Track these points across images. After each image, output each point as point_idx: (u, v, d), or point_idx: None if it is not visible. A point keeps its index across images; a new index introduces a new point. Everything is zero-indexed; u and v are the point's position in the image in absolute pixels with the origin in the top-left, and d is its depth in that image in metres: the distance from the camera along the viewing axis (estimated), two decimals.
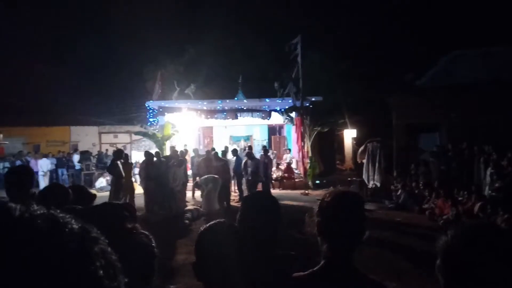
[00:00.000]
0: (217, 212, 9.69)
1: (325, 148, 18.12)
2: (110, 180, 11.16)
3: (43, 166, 16.80)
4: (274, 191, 13.20)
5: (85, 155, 19.00)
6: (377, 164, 12.32)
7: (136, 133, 18.16)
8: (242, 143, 18.18)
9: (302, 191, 13.88)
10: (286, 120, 16.78)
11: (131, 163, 11.49)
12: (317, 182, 14.86)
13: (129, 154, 11.50)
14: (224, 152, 11.99)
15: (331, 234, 1.44)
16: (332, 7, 24.08)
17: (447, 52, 16.52)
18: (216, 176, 10.53)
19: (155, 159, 11.04)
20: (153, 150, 12.86)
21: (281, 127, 19.68)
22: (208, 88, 20.59)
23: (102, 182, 16.10)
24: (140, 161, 11.51)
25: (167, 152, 14.12)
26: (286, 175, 15.66)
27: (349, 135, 19.86)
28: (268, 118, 16.61)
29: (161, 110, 16.70)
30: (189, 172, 13.05)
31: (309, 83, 15.89)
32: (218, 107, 16.89)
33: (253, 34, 22.36)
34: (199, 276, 1.41)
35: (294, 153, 17.00)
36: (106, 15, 24.83)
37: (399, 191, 11.57)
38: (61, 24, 25.17)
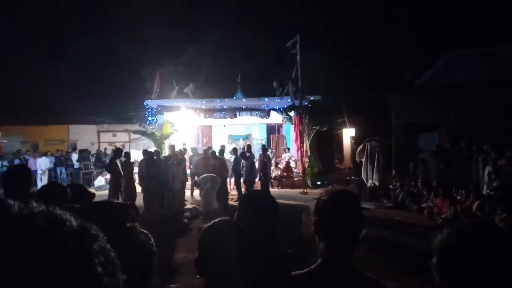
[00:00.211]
0: (216, 211, 9.69)
1: (324, 147, 18.14)
2: (109, 179, 11.15)
3: (41, 165, 16.77)
4: (273, 190, 13.21)
5: (83, 154, 18.97)
6: (376, 163, 12.33)
7: (135, 132, 18.15)
8: (241, 142, 18.18)
9: (301, 190, 13.89)
10: (285, 119, 16.79)
11: (132, 162, 11.48)
12: (319, 183, 14.87)
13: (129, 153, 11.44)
14: (221, 151, 11.99)
15: (328, 233, 1.44)
16: (331, 7, 24.07)
17: (446, 51, 16.54)
18: (214, 175, 10.53)
19: (154, 157, 11.04)
20: (152, 149, 12.85)
21: (280, 126, 19.69)
22: (207, 87, 20.58)
23: (101, 181, 16.09)
24: (139, 160, 11.48)
25: (166, 151, 14.13)
26: (285, 174, 15.67)
27: (348, 134, 19.87)
28: (267, 117, 16.62)
29: (159, 109, 16.69)
30: (188, 171, 13.05)
31: (308, 82, 15.89)
32: (217, 106, 16.89)
33: (252, 33, 22.35)
34: (200, 272, 1.42)
35: (293, 152, 17.01)
36: (105, 14, 24.80)
37: (398, 190, 11.59)
38: (60, 23, 25.12)
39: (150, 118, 17.08)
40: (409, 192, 11.36)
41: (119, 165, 10.22)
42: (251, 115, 16.68)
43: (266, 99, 16.90)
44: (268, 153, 13.23)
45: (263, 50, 21.62)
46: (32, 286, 0.45)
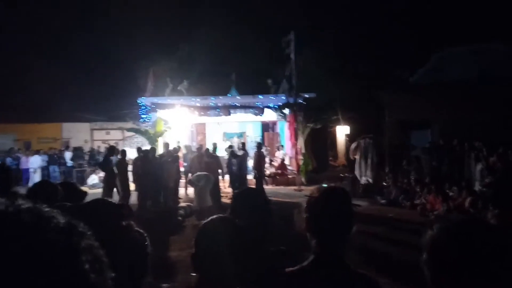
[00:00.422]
0: (209, 209, 9.68)
1: (318, 145, 18.18)
2: (103, 177, 11.10)
3: (33, 163, 16.67)
4: (267, 187, 13.23)
5: (78, 152, 18.83)
6: (369, 161, 12.40)
7: (129, 130, 18.06)
8: (236, 140, 18.15)
9: (296, 187, 13.93)
10: (280, 117, 16.80)
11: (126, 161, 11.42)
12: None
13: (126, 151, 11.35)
14: (214, 149, 11.99)
15: (319, 230, 1.45)
16: (325, 5, 24.08)
17: (438, 49, 16.62)
18: (208, 173, 10.53)
19: (149, 155, 11.01)
20: (145, 147, 12.81)
21: (274, 123, 19.68)
22: (201, 85, 20.51)
23: (95, 179, 15.99)
24: (133, 158, 11.42)
25: (160, 149, 14.07)
26: (279, 171, 15.70)
27: (342, 131, 19.94)
28: (261, 114, 16.61)
29: (153, 106, 16.62)
30: (181, 169, 13.02)
31: (303, 80, 15.91)
32: (211, 104, 16.85)
33: (246, 31, 22.29)
34: (196, 268, 1.42)
35: (287, 149, 17.03)
36: (98, 11, 24.60)
37: (391, 187, 11.67)
38: (53, 20, 24.88)
39: (143, 116, 17.00)
40: (402, 189, 11.43)
41: (114, 162, 10.18)
42: (245, 112, 16.67)
43: (260, 97, 16.89)
44: (262, 150, 13.24)
45: (258, 48, 21.59)
46: (18, 282, 0.45)
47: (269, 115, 17.01)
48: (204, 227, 1.45)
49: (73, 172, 17.66)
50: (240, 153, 12.07)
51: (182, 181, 12.41)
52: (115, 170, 10.33)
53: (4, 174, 2.84)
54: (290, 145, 16.45)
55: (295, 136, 15.84)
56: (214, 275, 1.37)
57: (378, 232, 7.84)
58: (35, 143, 21.68)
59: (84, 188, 13.61)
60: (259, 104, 16.69)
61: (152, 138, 15.70)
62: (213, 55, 22.11)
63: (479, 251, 0.95)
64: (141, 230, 1.53)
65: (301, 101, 16.02)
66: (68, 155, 18.36)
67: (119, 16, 22.86)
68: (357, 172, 12.73)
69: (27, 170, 17.12)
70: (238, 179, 11.13)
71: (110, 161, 10.22)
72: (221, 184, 11.67)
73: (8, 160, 17.62)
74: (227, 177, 12.29)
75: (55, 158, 17.87)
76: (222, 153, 14.04)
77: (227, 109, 16.55)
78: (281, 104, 16.15)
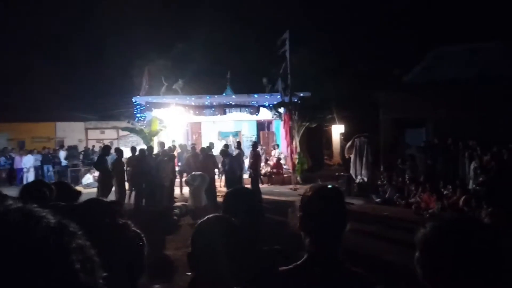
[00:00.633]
0: (204, 208, 9.68)
1: (314, 144, 18.21)
2: (98, 177, 11.05)
3: (26, 162, 16.58)
4: (263, 187, 13.25)
5: (72, 151, 18.71)
6: (364, 159, 12.44)
7: (123, 129, 17.98)
8: (231, 139, 18.14)
9: (291, 186, 13.95)
10: (275, 116, 16.80)
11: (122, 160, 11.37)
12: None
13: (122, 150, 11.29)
14: (209, 148, 11.97)
15: (312, 229, 1.45)
16: (320, 4, 24.12)
17: (433, 48, 16.70)
18: (203, 173, 10.52)
19: (146, 154, 10.97)
20: (140, 146, 12.76)
21: (269, 122, 19.70)
22: (196, 84, 20.47)
23: (89, 178, 15.90)
24: (127, 157, 11.37)
25: (155, 148, 14.03)
26: (274, 170, 15.71)
27: (337, 130, 19.99)
28: (256, 113, 16.61)
29: (148, 105, 16.56)
30: (176, 168, 12.98)
31: (298, 79, 15.92)
32: (207, 103, 16.82)
33: (241, 30, 22.27)
34: (193, 267, 1.42)
35: (283, 148, 17.05)
36: (93, 10, 24.47)
37: (386, 185, 11.71)
38: (47, 19, 24.70)
39: (138, 115, 16.94)
40: (397, 188, 11.49)
41: (109, 162, 10.15)
42: (240, 111, 16.66)
43: (255, 96, 16.89)
44: (258, 149, 13.24)
45: (253, 47, 21.59)
46: (8, 282, 0.45)
47: (265, 114, 17.01)
48: (200, 226, 1.45)
49: (68, 172, 17.56)
50: (235, 152, 12.06)
51: (177, 180, 12.38)
52: (111, 169, 10.30)
53: None
54: (286, 144, 16.46)
55: (290, 135, 15.86)
56: (210, 274, 1.37)
57: (373, 231, 7.87)
58: (29, 142, 21.54)
59: (78, 188, 13.59)
60: (254, 103, 16.70)
61: (147, 137, 15.64)
62: (208, 54, 22.08)
63: (471, 249, 0.95)
64: (138, 230, 1.52)
65: (296, 100, 16.04)
66: (62, 154, 18.25)
67: (114, 15, 22.75)
68: (352, 171, 12.77)
69: (21, 169, 17.01)
70: (231, 179, 11.13)
71: (104, 161, 10.17)
72: (217, 183, 11.66)
73: (2, 159, 17.51)
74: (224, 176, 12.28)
75: (49, 158, 17.76)
76: (218, 152, 14.01)
77: (222, 108, 16.53)
78: (276, 103, 16.16)
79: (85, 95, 23.63)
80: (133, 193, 10.80)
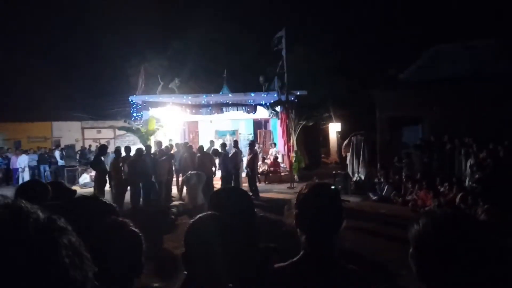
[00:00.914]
0: (202, 207, 9.67)
1: (310, 142, 18.24)
2: (94, 176, 11.02)
3: (21, 163, 16.54)
4: (260, 185, 13.26)
5: (69, 151, 18.62)
6: (361, 157, 12.47)
7: (120, 128, 17.92)
8: (228, 138, 18.14)
9: (288, 184, 13.96)
10: (272, 114, 16.80)
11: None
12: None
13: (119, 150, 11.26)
14: (204, 147, 12.00)
15: (308, 226, 1.46)
16: (316, 2, 24.11)
17: (429, 46, 16.75)
18: (199, 172, 10.51)
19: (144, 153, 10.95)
20: (136, 146, 12.73)
21: (266, 121, 19.70)
22: (193, 83, 20.44)
23: (86, 178, 15.86)
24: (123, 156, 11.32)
25: (152, 147, 14.00)
26: (272, 169, 15.72)
27: (334, 129, 20.02)
28: (253, 112, 16.59)
29: (145, 104, 16.52)
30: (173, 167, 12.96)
31: (294, 77, 15.92)
32: (203, 102, 16.79)
33: (238, 28, 22.25)
34: (187, 267, 1.42)
35: (280, 147, 17.06)
36: (89, 9, 24.36)
37: (383, 183, 11.75)
38: (43, 18, 24.58)
39: (135, 114, 16.89)
40: (394, 185, 11.52)
41: (104, 160, 10.12)
42: (237, 110, 16.64)
43: (252, 94, 16.88)
44: (255, 148, 13.24)
45: (249, 45, 21.57)
46: None
47: (261, 113, 17.01)
48: (193, 225, 1.44)
49: (64, 172, 17.50)
50: (232, 151, 12.06)
51: (174, 179, 12.36)
52: (108, 168, 10.28)
53: None
54: (283, 143, 16.47)
55: (287, 133, 15.86)
56: (205, 273, 1.37)
57: (370, 228, 7.90)
58: (25, 142, 21.46)
59: (75, 187, 13.50)
60: (251, 102, 16.68)
61: (144, 137, 15.60)
62: (204, 52, 22.04)
63: (463, 244, 0.95)
64: (136, 229, 1.52)
65: (293, 99, 16.04)
66: (57, 154, 18.19)
67: (110, 14, 22.67)
68: (349, 169, 12.80)
69: (17, 169, 16.95)
70: (224, 177, 11.15)
71: (101, 160, 10.14)
72: (215, 182, 11.65)
73: None
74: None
75: (45, 158, 17.70)
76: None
77: (219, 107, 16.50)
78: (273, 101, 16.16)
79: (82, 94, 23.56)
80: (131, 192, 10.78)
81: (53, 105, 22.06)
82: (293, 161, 15.03)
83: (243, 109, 16.55)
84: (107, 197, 9.32)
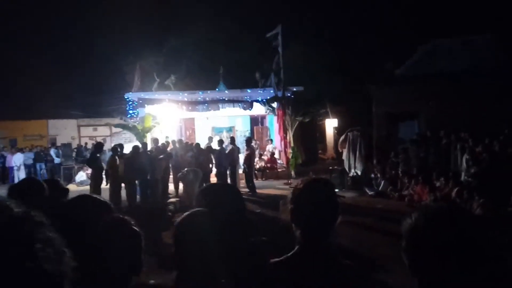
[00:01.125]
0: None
1: (307, 138, 18.26)
2: (90, 174, 10.99)
3: (16, 161, 16.49)
4: (257, 181, 13.27)
5: (65, 149, 18.55)
6: (357, 153, 12.49)
7: (116, 126, 17.86)
8: (225, 134, 18.12)
9: (285, 181, 13.98)
10: (268, 111, 16.79)
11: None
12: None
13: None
14: (199, 144, 12.01)
15: (303, 221, 1.46)
16: None
17: (425, 41, 16.77)
18: (196, 168, 10.50)
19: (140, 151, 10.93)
20: (132, 143, 12.69)
21: (263, 117, 19.70)
22: (188, 80, 20.38)
23: (82, 176, 15.80)
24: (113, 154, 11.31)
25: (149, 145, 13.97)
26: (269, 165, 15.73)
27: (331, 124, 20.04)
28: (249, 108, 16.59)
29: (141, 102, 16.47)
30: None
31: (290, 73, 15.91)
32: (200, 98, 16.76)
33: (234, 25, 22.17)
34: (179, 265, 1.41)
35: (276, 143, 17.07)
36: (85, 7, 24.22)
37: (379, 178, 11.78)
38: (38, 16, 24.41)
39: (131, 112, 16.84)
40: (390, 181, 11.56)
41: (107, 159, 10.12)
42: (234, 107, 16.62)
43: (248, 91, 16.86)
44: (252, 144, 13.24)
45: (245, 42, 21.51)
46: None
47: (258, 109, 17.00)
48: (181, 224, 1.43)
49: (61, 169, 17.44)
50: (229, 147, 12.06)
51: (171, 176, 12.34)
52: (105, 166, 10.26)
53: None
54: (279, 139, 16.48)
55: (284, 129, 15.87)
56: (198, 270, 1.36)
57: (366, 223, 7.93)
58: (21, 140, 21.36)
59: (72, 185, 13.45)
60: (248, 98, 16.67)
61: (140, 134, 15.56)
62: (200, 49, 21.96)
63: (454, 238, 0.96)
64: (135, 226, 1.52)
65: (289, 95, 16.04)
66: (53, 152, 18.12)
67: (105, 12, 22.53)
68: (346, 165, 12.82)
69: (13, 168, 16.89)
70: (218, 173, 11.17)
71: (97, 158, 10.12)
72: (213, 178, 11.65)
73: None
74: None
75: (41, 156, 17.63)
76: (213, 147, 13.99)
77: (216, 104, 16.48)
78: (269, 97, 16.15)
79: (77, 92, 23.46)
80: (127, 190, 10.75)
81: (49, 103, 21.95)
82: (290, 157, 15.05)
83: (239, 106, 16.54)
84: (104, 194, 9.29)
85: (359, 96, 17.33)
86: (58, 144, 19.97)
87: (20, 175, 16.01)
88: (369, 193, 11.34)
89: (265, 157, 16.07)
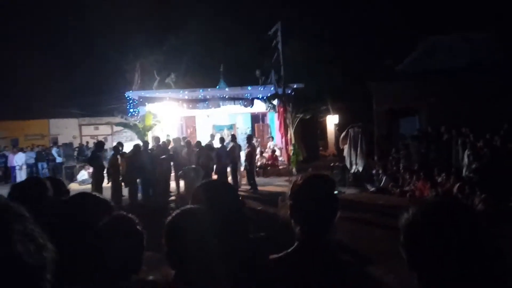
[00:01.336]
0: None
1: (308, 135, 18.24)
2: (91, 173, 11.02)
3: (18, 160, 16.53)
4: (259, 179, 13.27)
5: (67, 149, 18.56)
6: (359, 149, 12.48)
7: (117, 124, 17.86)
8: (226, 132, 18.10)
9: (287, 178, 13.97)
10: (269, 108, 16.77)
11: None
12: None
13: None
14: (200, 142, 12.01)
15: (303, 216, 1.46)
16: None
17: (425, 37, 16.72)
18: (196, 166, 10.51)
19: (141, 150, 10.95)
20: (135, 142, 12.70)
21: (264, 115, 19.67)
22: (189, 78, 20.36)
23: (84, 175, 15.83)
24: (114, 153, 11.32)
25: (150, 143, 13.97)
26: (270, 162, 15.73)
27: (332, 121, 20.01)
28: (250, 106, 16.57)
29: (141, 100, 16.46)
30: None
31: (291, 70, 15.88)
32: (200, 96, 16.75)
33: (233, 22, 22.13)
34: (174, 265, 1.41)
35: (277, 140, 17.06)
36: (85, 6, 24.16)
37: (381, 175, 11.78)
38: (38, 15, 24.39)
39: (131, 110, 16.83)
40: (392, 177, 11.55)
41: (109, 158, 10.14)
42: (234, 104, 16.61)
43: (249, 88, 16.83)
44: (253, 142, 13.24)
45: (245, 39, 21.47)
46: None
47: (259, 106, 16.97)
48: (172, 222, 1.42)
49: (62, 169, 17.48)
50: (230, 145, 12.07)
51: (172, 174, 12.35)
52: (109, 165, 10.30)
53: None
54: (280, 136, 16.46)
55: (284, 126, 15.85)
56: (193, 269, 1.35)
57: (366, 219, 7.94)
58: (22, 140, 21.40)
59: (73, 184, 13.48)
60: (248, 96, 16.64)
61: (141, 132, 15.57)
62: (200, 47, 21.93)
63: (453, 232, 0.96)
64: (139, 226, 1.52)
65: (290, 92, 16.01)
66: (54, 151, 18.15)
67: (105, 10, 22.49)
68: (347, 161, 12.81)
69: (15, 167, 16.93)
70: (218, 171, 11.19)
71: (98, 156, 10.14)
72: (215, 177, 11.66)
73: None
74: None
75: (43, 155, 17.67)
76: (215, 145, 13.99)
77: (216, 101, 16.47)
78: (270, 95, 16.12)
79: (78, 91, 23.47)
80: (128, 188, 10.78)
81: (50, 103, 21.97)
82: (291, 154, 15.04)
83: (240, 103, 16.52)
84: (106, 193, 9.32)
85: (359, 92, 17.30)
86: (60, 143, 20.00)
87: (22, 174, 16.05)
88: (370, 189, 11.34)
89: (266, 155, 16.07)
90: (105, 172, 10.31)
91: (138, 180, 10.62)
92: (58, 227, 1.32)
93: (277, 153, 16.38)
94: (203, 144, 12.17)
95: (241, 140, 15.22)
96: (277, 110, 16.26)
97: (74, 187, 13.47)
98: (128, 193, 10.50)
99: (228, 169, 11.79)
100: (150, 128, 15.78)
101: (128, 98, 16.98)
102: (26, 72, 22.44)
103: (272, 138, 17.23)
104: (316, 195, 1.46)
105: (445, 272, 0.96)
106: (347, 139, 12.87)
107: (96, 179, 10.02)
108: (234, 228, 1.54)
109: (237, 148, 12.02)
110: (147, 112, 16.12)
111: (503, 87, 12.91)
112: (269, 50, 16.03)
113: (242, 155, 12.80)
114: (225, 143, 12.27)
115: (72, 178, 16.16)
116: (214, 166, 11.72)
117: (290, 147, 15.29)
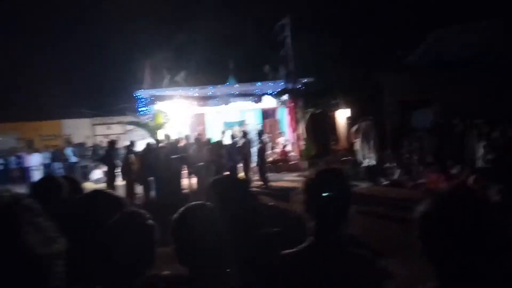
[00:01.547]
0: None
1: (319, 129, 18.13)
2: (105, 171, 11.16)
3: (34, 161, 16.83)
4: (270, 174, 13.28)
5: (80, 149, 18.83)
6: (371, 142, 12.38)
7: (129, 123, 18.03)
8: (236, 128, 18.10)
9: (298, 173, 13.95)
10: (279, 103, 16.73)
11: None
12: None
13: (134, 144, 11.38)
14: (210, 140, 12.06)
15: (316, 211, 1.46)
16: None
17: (435, 28, 16.45)
18: (207, 163, 10.57)
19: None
20: (144, 141, 12.81)
21: (274, 110, 19.61)
22: (199, 75, 20.39)
23: (98, 174, 16.05)
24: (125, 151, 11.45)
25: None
26: (281, 158, 15.71)
27: (343, 115, 19.84)
28: (260, 102, 16.55)
29: (152, 99, 16.57)
30: None
31: (300, 65, 15.79)
32: (210, 93, 16.78)
33: (242, 18, 22.07)
34: (183, 261, 1.41)
35: (288, 135, 17.02)
36: (94, 5, 24.37)
37: (394, 167, 11.67)
38: (49, 16, 24.67)
39: (142, 109, 16.96)
40: (405, 169, 11.43)
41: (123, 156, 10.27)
42: (244, 100, 16.61)
43: (259, 84, 16.79)
44: (264, 137, 13.24)
45: (254, 34, 21.40)
46: None
47: (269, 102, 16.94)
48: (180, 218, 1.42)
49: (77, 168, 17.73)
50: (241, 141, 12.09)
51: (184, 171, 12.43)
52: (122, 164, 10.43)
53: None
54: (291, 131, 16.42)
55: (295, 121, 15.80)
56: (202, 264, 1.35)
57: (380, 212, 7.89)
58: (37, 141, 21.75)
59: (88, 183, 13.70)
60: (258, 92, 16.62)
61: (153, 131, 15.69)
62: (209, 44, 21.93)
63: (466, 222, 0.94)
64: (150, 220, 1.54)
65: (300, 86, 15.93)
66: (68, 151, 18.43)
67: (114, 9, 22.64)
68: (359, 155, 12.72)
69: (31, 168, 17.23)
70: (231, 168, 11.23)
71: (110, 155, 10.27)
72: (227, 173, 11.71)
73: (13, 159, 17.77)
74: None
75: (58, 155, 17.95)
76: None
77: (226, 98, 16.50)
78: (279, 90, 16.08)
79: (89, 91, 23.71)
80: (142, 186, 10.89)
81: (61, 103, 22.24)
82: (303, 149, 15.00)
83: (250, 99, 16.52)
84: (119, 191, 9.43)
85: (370, 85, 17.10)
86: (73, 143, 20.27)
87: (38, 175, 16.33)
88: (384, 183, 11.25)
89: (277, 150, 16.05)
90: (118, 170, 10.44)
91: (151, 178, 10.72)
92: (73, 223, 1.34)
93: (288, 148, 16.35)
94: (214, 141, 12.23)
95: (252, 136, 15.22)
96: (287, 105, 16.21)
97: (88, 186, 13.67)
98: (143, 190, 10.61)
99: (240, 165, 11.83)
100: (161, 126, 15.89)
101: (138, 97, 17.11)
102: (38, 73, 22.77)
103: (283, 133, 17.19)
104: (329, 189, 1.45)
105: (461, 263, 0.95)
106: (358, 133, 12.78)
107: (110, 178, 10.16)
108: (246, 224, 1.54)
109: (247, 143, 12.03)
110: (158, 110, 16.23)
111: None
112: (278, 45, 15.96)
113: (254, 151, 12.80)
114: (235, 140, 12.29)
115: (86, 177, 16.38)
116: (224, 162, 11.77)
117: (301, 142, 15.24)
